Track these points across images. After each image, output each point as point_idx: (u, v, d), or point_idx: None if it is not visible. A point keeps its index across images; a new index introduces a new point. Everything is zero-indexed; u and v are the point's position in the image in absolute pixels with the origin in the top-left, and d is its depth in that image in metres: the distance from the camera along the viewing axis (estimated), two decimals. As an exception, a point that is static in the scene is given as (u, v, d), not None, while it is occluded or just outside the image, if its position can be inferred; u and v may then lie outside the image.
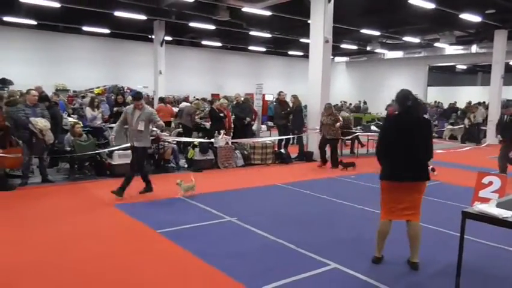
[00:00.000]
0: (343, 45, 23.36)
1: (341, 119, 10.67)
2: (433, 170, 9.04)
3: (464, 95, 25.71)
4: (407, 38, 21.06)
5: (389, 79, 27.95)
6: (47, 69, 21.03)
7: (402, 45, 24.17)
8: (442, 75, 31.55)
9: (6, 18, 17.76)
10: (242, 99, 12.93)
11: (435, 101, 25.27)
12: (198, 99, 16.98)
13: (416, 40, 21.47)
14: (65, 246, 4.81)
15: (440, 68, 28.68)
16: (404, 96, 4.25)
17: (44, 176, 8.14)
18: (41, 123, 7.71)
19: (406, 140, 4.13)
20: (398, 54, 26.47)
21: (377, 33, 19.97)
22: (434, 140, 4.50)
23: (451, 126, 19.05)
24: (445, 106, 23.52)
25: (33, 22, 18.36)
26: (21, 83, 17.73)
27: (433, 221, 5.71)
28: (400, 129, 4.17)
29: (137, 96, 7.30)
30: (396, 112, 4.37)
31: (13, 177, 8.08)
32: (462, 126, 18.27)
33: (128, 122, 7.06)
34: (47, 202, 6.80)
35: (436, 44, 22.11)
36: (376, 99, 26.55)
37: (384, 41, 23.00)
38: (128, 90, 20.65)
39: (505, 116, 9.61)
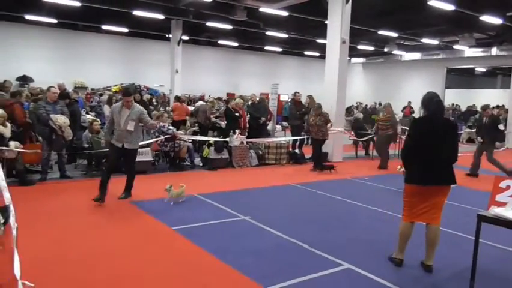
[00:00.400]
0: (360, 46, 23.20)
1: (331, 119, 10.42)
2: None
3: (483, 98, 25.23)
4: (425, 40, 20.81)
5: (406, 81, 27.65)
6: (66, 67, 21.40)
7: (420, 47, 23.88)
8: (461, 78, 31.05)
9: (27, 17, 18.15)
10: (257, 99, 12.97)
11: (453, 104, 24.92)
12: (214, 98, 17.10)
13: (434, 42, 21.19)
14: (82, 241, 4.91)
15: (458, 70, 28.22)
16: (430, 99, 4.22)
17: (63, 172, 8.30)
18: (61, 120, 7.87)
19: (434, 143, 4.09)
20: (416, 56, 26.15)
21: (394, 34, 19.77)
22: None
23: (468, 129, 18.76)
24: (463, 109, 23.19)
25: (54, 21, 18.72)
26: (41, 80, 18.13)
27: (449, 224, 5.63)
28: (428, 131, 4.12)
29: (126, 92, 6.54)
30: (424, 114, 4.31)
31: (33, 173, 8.26)
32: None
33: (115, 121, 6.42)
34: (65, 197, 6.94)
35: (455, 46, 21.76)
36: (393, 101, 26.09)
37: (401, 42, 22.75)
38: (145, 89, 20.92)
39: (484, 118, 10.05)
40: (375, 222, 6.13)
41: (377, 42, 22.71)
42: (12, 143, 7.43)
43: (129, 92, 6.55)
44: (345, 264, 4.38)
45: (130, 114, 6.31)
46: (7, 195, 4.13)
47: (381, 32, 18.88)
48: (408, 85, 27.05)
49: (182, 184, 6.81)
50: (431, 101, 4.20)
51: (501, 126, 10.13)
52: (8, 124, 7.63)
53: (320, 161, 10.31)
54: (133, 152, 6.60)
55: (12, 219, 3.82)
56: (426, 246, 4.28)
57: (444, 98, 25.93)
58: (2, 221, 3.68)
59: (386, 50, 23.61)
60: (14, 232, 3.57)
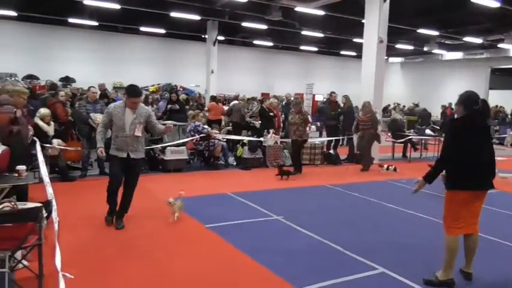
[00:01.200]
0: (398, 46, 22.64)
1: (310, 119, 9.53)
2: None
3: (530, 99, 24.10)
4: (467, 39, 20.03)
5: (447, 81, 26.73)
6: (106, 68, 22.11)
7: (462, 46, 22.99)
8: (506, 78, 29.63)
9: (71, 20, 18.91)
10: (292, 98, 12.92)
11: (496, 105, 23.87)
12: (248, 98, 17.19)
13: (477, 41, 20.36)
14: (118, 236, 5.04)
15: (503, 70, 26.98)
16: (469, 97, 3.96)
17: (102, 169, 8.56)
18: (100, 118, 8.13)
19: (478, 145, 3.88)
20: (458, 55, 25.22)
21: (435, 33, 19.17)
22: (495, 147, 4.26)
23: (514, 132, 17.94)
24: (508, 111, 22.17)
25: (95, 23, 19.39)
26: (82, 80, 18.81)
27: (490, 230, 5.41)
28: (470, 132, 3.88)
29: (133, 91, 5.24)
30: (461, 115, 4.00)
31: (74, 170, 8.59)
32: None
33: (116, 126, 5.22)
34: (104, 193, 7.10)
35: (500, 45, 20.85)
36: (433, 101, 25.47)
37: (442, 41, 22.00)
38: (181, 89, 21.29)
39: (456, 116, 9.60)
40: (412, 226, 5.95)
41: (416, 41, 22.07)
42: (55, 141, 7.74)
43: (138, 91, 5.33)
44: (380, 268, 4.27)
45: (136, 116, 5.22)
46: (50, 191, 4.32)
47: (420, 31, 18.35)
48: (449, 86, 26.14)
49: (181, 192, 5.88)
50: (472, 100, 3.93)
51: None
52: (52, 123, 7.96)
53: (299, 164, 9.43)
54: (140, 162, 5.54)
55: (54, 214, 3.99)
56: (466, 254, 4.05)
57: (487, 99, 24.88)
58: (45, 214, 3.85)
59: (425, 49, 22.93)
60: (56, 226, 3.73)
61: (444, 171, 4.03)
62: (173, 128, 6.63)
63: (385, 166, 9.90)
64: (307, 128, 9.46)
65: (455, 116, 4.28)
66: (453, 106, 20.84)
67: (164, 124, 6.54)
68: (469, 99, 3.96)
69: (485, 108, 4.00)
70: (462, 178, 3.87)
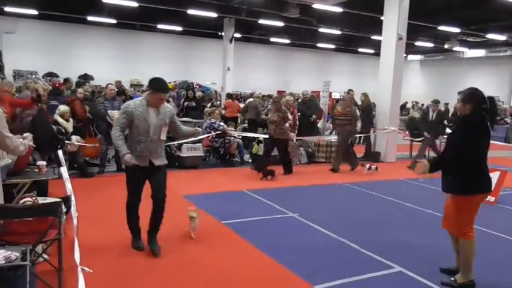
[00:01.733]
0: (418, 43, 22.30)
1: (290, 117, 9.07)
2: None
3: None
4: (490, 36, 19.59)
5: (468, 79, 26.20)
6: (123, 65, 22.38)
7: (485, 43, 22.49)
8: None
9: (89, 18, 19.19)
10: (308, 96, 12.86)
11: (520, 104, 23.36)
12: (264, 95, 17.17)
13: (501, 38, 19.89)
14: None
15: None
16: (477, 95, 3.79)
17: (119, 166, 8.66)
18: (117, 115, 8.22)
19: (487, 146, 3.82)
20: (480, 53, 24.67)
21: (456, 30, 18.79)
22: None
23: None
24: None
25: (113, 21, 19.63)
26: (101, 78, 19.08)
27: (507, 230, 5.30)
28: (483, 132, 3.76)
29: (162, 86, 4.34)
30: (467, 113, 3.80)
31: (92, 166, 8.71)
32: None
33: (139, 129, 4.30)
34: (121, 189, 7.19)
35: (524, 42, 20.37)
36: (454, 100, 25.07)
37: (464, 38, 21.57)
38: (198, 86, 21.41)
39: (431, 113, 10.52)
40: (430, 226, 5.84)
41: (437, 38, 21.71)
42: (74, 137, 7.87)
43: (166, 85, 4.51)
44: (397, 267, 4.22)
45: (161, 117, 4.38)
46: (69, 186, 4.39)
47: (441, 28, 18.02)
48: (471, 84, 25.45)
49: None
50: (480, 97, 3.76)
51: (445, 122, 10.64)
52: (71, 119, 8.09)
53: (289, 165, 9.12)
54: (164, 170, 4.61)
55: (73, 209, 4.06)
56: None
57: (511, 97, 24.34)
58: (65, 210, 3.91)
59: (446, 46, 22.55)
60: (75, 221, 3.79)
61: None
62: (197, 132, 5.57)
63: (367, 166, 9.56)
64: (287, 125, 8.97)
65: (452, 113, 4.19)
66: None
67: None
68: (476, 97, 3.78)
69: (493, 106, 3.87)
70: (480, 181, 3.78)
